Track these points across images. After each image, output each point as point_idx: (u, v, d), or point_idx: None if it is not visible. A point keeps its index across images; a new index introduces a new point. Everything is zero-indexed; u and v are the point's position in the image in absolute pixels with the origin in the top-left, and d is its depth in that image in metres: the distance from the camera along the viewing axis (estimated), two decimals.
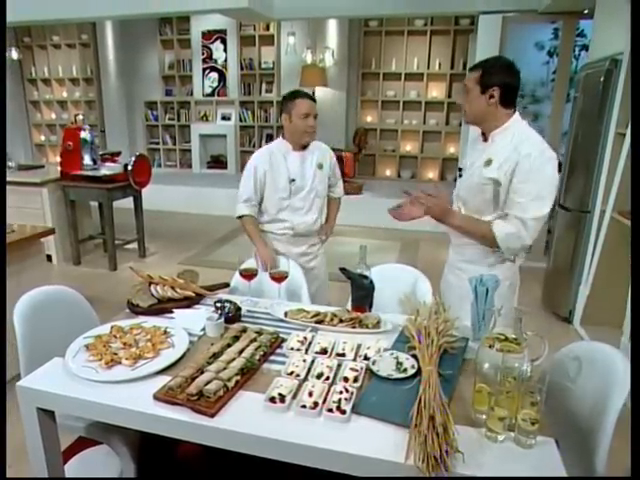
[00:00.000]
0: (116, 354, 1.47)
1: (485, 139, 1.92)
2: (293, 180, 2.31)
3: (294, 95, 2.27)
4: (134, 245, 4.80)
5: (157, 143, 8.37)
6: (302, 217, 2.37)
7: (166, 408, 1.29)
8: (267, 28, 7.53)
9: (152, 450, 1.76)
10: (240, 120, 7.96)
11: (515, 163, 1.76)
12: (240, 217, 2.38)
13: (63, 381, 1.40)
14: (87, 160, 4.28)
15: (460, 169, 2.06)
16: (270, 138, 7.94)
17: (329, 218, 2.64)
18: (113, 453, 1.69)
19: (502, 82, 1.78)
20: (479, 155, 1.91)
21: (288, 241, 2.41)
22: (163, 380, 1.39)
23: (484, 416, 1.23)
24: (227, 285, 2.15)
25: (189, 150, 8.22)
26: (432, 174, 7.75)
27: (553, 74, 5.42)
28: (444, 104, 7.42)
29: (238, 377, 1.36)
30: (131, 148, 8.00)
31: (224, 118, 8.02)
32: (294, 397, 1.30)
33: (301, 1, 5.21)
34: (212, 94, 7.95)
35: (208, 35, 7.67)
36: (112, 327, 1.64)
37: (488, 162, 1.85)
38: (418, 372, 1.40)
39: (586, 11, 4.44)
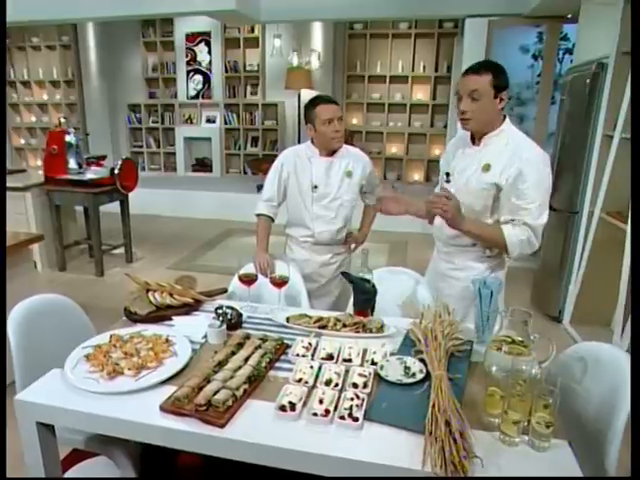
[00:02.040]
0: (118, 364, 1.43)
1: (474, 143, 1.91)
2: (316, 187, 2.23)
3: (313, 103, 2.18)
4: (121, 250, 4.72)
5: (141, 146, 8.25)
6: (325, 226, 2.27)
7: (173, 419, 1.25)
8: (252, 30, 7.49)
9: (152, 460, 1.72)
10: (225, 123, 7.89)
11: (517, 168, 1.76)
12: (258, 215, 2.32)
13: (64, 393, 1.36)
14: (72, 164, 4.19)
15: (447, 174, 2.00)
16: (256, 141, 7.90)
17: (363, 226, 2.52)
18: (112, 464, 1.64)
19: (507, 85, 1.79)
20: (471, 160, 1.90)
21: (311, 248, 2.33)
22: (168, 390, 1.35)
23: (497, 420, 1.23)
24: (225, 290, 2.11)
25: (173, 153, 8.13)
26: (417, 176, 7.80)
27: (538, 77, 5.51)
28: (429, 106, 7.48)
29: (246, 386, 1.34)
30: (114, 151, 7.87)
31: (209, 121, 7.95)
32: (304, 405, 1.28)
33: (287, 4, 5.19)
34: (196, 97, 7.87)
35: (192, 37, 7.59)
36: (111, 336, 1.59)
37: (487, 167, 1.84)
38: (427, 376, 1.40)
39: (569, 15, 4.52)
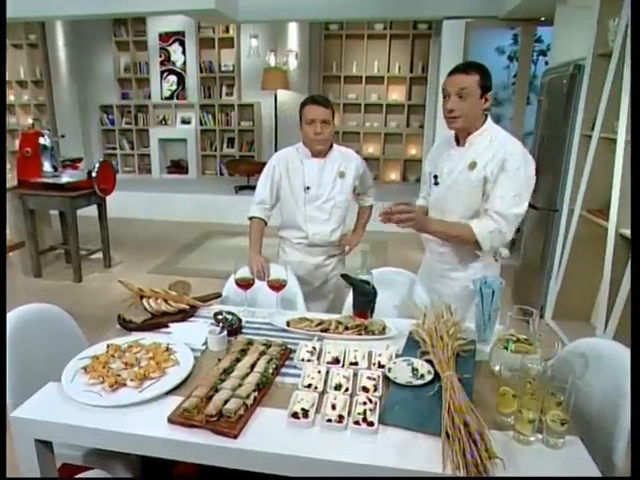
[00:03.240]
0: (119, 375, 1.38)
1: (459, 144, 1.94)
2: (308, 188, 2.21)
3: (305, 101, 2.16)
4: (98, 255, 4.58)
5: (114, 148, 8.05)
6: (318, 227, 2.25)
7: (183, 431, 1.21)
8: (227, 30, 7.40)
9: (151, 472, 1.67)
10: (201, 124, 7.78)
11: (501, 160, 1.80)
12: (250, 218, 2.28)
13: (63, 408, 1.30)
14: (47, 167, 4.04)
15: (435, 176, 2.01)
16: (232, 142, 7.82)
17: (357, 227, 2.50)
18: (107, 476, 1.58)
19: (491, 86, 1.83)
20: (457, 160, 1.92)
21: (305, 250, 2.30)
22: (173, 401, 1.31)
23: (510, 419, 1.24)
24: (219, 295, 2.07)
25: (148, 155, 7.96)
26: (394, 175, 7.87)
27: (514, 78, 5.62)
28: (404, 106, 7.56)
29: (255, 393, 1.31)
30: (86, 154, 7.64)
31: (184, 122, 7.82)
32: (317, 411, 1.26)
33: (265, 4, 5.15)
34: (171, 97, 7.73)
35: (166, 37, 7.45)
36: (108, 346, 1.54)
37: (473, 165, 1.87)
38: (435, 377, 1.40)
39: (543, 18, 4.63)
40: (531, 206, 3.95)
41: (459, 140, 1.94)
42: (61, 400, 1.33)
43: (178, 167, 7.97)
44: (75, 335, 1.79)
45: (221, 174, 7.88)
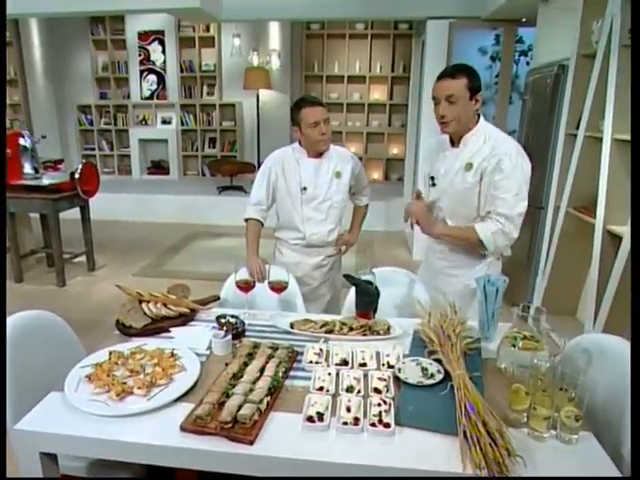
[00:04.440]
0: (125, 383, 1.34)
1: (454, 145, 1.94)
2: (305, 188, 2.20)
3: (299, 104, 2.14)
4: (81, 258, 4.47)
5: (93, 149, 7.87)
6: (315, 227, 2.24)
7: (195, 439, 1.19)
8: (207, 30, 7.31)
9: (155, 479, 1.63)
10: (182, 124, 7.67)
11: (496, 160, 1.81)
12: (247, 220, 2.25)
13: (68, 419, 1.26)
14: (28, 169, 3.93)
15: (432, 177, 2.03)
16: (214, 142, 7.73)
17: (353, 227, 2.49)
18: None
19: (480, 86, 1.83)
20: (453, 161, 1.93)
21: (302, 251, 2.28)
22: (183, 408, 1.28)
23: (523, 416, 1.25)
24: (218, 298, 2.04)
25: (128, 156, 7.80)
26: (377, 175, 7.90)
27: (496, 77, 5.70)
28: (386, 106, 7.60)
29: (268, 398, 1.29)
30: (64, 155, 7.44)
31: (164, 122, 7.70)
32: (332, 414, 1.25)
33: (249, 2, 5.10)
34: (151, 97, 7.60)
35: (145, 36, 7.32)
36: (111, 353, 1.49)
37: (469, 166, 1.88)
38: (445, 377, 1.40)
39: (524, 19, 4.70)
40: None
41: (454, 141, 1.95)
42: (66, 410, 1.29)
43: (159, 168, 7.85)
44: (71, 341, 1.74)
45: (203, 174, 7.79)
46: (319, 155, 2.22)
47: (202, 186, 7.20)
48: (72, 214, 4.27)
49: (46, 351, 1.62)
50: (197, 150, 7.78)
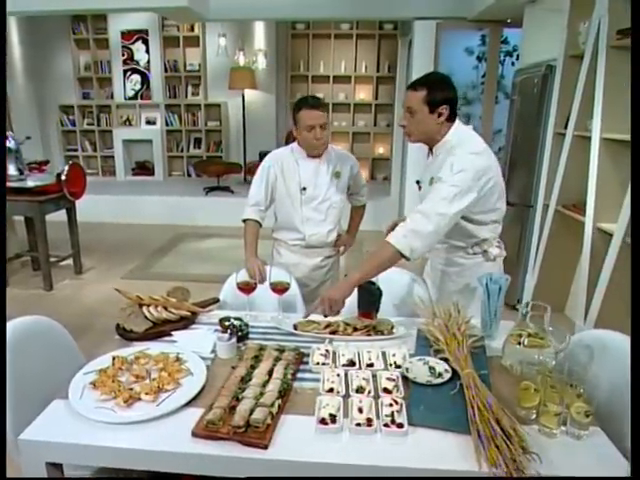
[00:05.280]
0: (131, 389, 1.32)
1: (430, 154, 1.93)
2: (304, 189, 2.18)
3: (299, 105, 2.11)
4: (68, 261, 4.39)
5: (75, 150, 7.72)
6: (315, 228, 2.23)
7: (207, 444, 1.17)
8: (192, 29, 7.24)
9: None
10: (166, 124, 7.58)
11: (449, 163, 1.73)
12: (245, 220, 2.22)
13: (74, 427, 1.23)
14: (12, 170, 3.83)
15: (418, 182, 2.02)
16: (199, 142, 7.66)
17: (351, 227, 2.48)
18: None
19: (448, 98, 1.77)
20: (429, 171, 1.91)
21: (301, 252, 2.27)
22: (192, 413, 1.26)
23: (532, 413, 1.26)
24: (217, 300, 2.02)
25: (112, 157, 7.68)
26: (363, 174, 7.88)
27: (482, 77, 5.76)
28: (371, 106, 7.63)
29: (279, 401, 1.28)
30: (45, 156, 7.29)
31: (149, 122, 7.60)
32: (344, 415, 1.24)
33: (236, 2, 5.07)
34: (135, 97, 7.49)
35: (128, 35, 7.21)
36: (114, 358, 1.47)
37: (432, 180, 1.83)
38: (454, 375, 1.41)
39: (509, 20, 4.77)
40: (506, 202, 4.11)
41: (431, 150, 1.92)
42: (71, 419, 1.26)
43: (143, 168, 7.75)
44: (69, 347, 1.70)
45: (189, 175, 7.71)
46: (318, 155, 2.22)
47: (188, 187, 7.13)
48: (57, 216, 4.18)
49: (45, 357, 1.58)
50: (182, 151, 7.70)
